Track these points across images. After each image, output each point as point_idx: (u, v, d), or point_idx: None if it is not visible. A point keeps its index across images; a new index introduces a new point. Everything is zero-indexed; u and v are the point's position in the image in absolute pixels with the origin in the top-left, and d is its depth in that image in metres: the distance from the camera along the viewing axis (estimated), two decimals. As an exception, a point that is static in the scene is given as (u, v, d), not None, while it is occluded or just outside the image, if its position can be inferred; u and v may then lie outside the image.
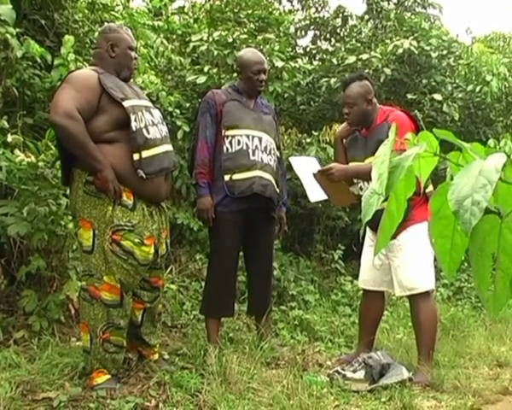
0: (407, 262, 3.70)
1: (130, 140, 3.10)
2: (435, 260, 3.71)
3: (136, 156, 3.10)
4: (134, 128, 3.09)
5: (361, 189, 3.92)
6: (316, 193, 3.84)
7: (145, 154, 3.12)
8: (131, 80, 3.48)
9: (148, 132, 3.16)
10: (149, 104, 3.38)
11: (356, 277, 4.60)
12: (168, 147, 3.33)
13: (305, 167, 3.94)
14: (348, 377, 3.50)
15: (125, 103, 3.10)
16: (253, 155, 3.83)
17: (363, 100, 3.82)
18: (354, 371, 3.54)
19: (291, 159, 4.17)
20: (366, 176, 3.72)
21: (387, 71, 6.49)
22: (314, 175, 3.80)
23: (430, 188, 3.60)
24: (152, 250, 3.20)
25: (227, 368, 3.30)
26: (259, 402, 3.06)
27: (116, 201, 3.07)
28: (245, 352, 3.61)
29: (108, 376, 3.15)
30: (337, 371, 3.58)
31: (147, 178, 3.12)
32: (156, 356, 3.53)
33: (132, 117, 3.09)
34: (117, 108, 3.10)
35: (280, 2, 8.94)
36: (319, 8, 8.92)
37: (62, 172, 3.33)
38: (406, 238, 3.61)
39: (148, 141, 3.14)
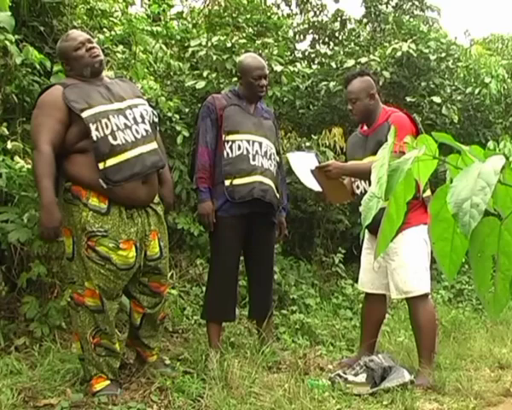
0: (403, 266, 3.71)
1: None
2: (435, 262, 3.71)
3: (100, 166, 3.05)
4: (95, 138, 3.04)
5: (357, 187, 3.93)
6: (310, 183, 3.86)
7: (111, 162, 3.06)
8: (111, 76, 3.47)
9: (115, 138, 3.09)
10: (128, 104, 3.26)
11: (356, 280, 4.60)
12: (144, 148, 3.21)
13: (303, 163, 3.95)
14: (350, 381, 3.50)
15: (85, 113, 3.05)
16: (254, 159, 3.83)
17: (365, 94, 3.83)
18: (356, 375, 3.53)
19: (288, 154, 4.18)
20: (363, 175, 3.74)
21: (386, 74, 6.50)
22: (312, 171, 3.81)
23: (427, 193, 3.61)
24: (131, 254, 3.14)
25: (228, 373, 3.30)
26: (261, 407, 3.06)
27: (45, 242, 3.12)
28: (246, 356, 3.61)
29: (107, 382, 3.15)
30: (339, 375, 3.57)
31: (113, 185, 3.06)
32: (154, 358, 3.52)
33: (92, 126, 3.04)
34: (80, 118, 3.07)
35: (278, 7, 8.97)
36: (317, 12, 8.93)
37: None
38: (402, 242, 3.61)
39: (114, 147, 3.07)
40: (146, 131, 3.25)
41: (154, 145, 3.29)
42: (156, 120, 3.44)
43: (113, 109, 3.16)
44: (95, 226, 3.06)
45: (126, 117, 3.19)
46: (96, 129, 3.05)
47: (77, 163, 3.09)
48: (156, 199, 3.39)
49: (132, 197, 3.16)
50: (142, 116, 3.28)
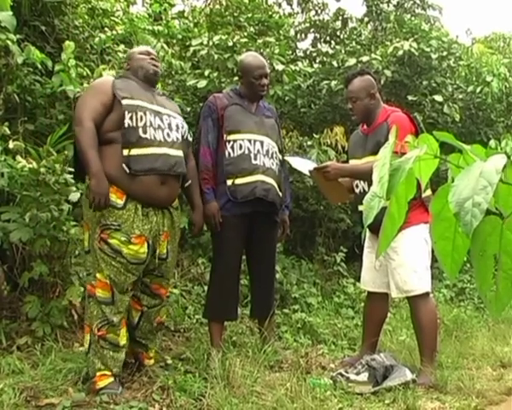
0: (402, 265, 3.71)
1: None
2: (436, 261, 3.71)
3: (125, 152, 3.18)
4: (126, 125, 3.19)
5: (357, 186, 3.93)
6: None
7: (135, 151, 3.19)
8: (162, 92, 3.67)
9: (145, 132, 3.23)
10: (167, 112, 3.43)
11: (358, 279, 4.61)
12: (170, 151, 3.33)
13: (302, 165, 3.98)
14: (351, 380, 3.50)
15: (125, 101, 3.22)
16: (255, 159, 3.83)
17: (365, 94, 3.84)
18: (357, 374, 3.54)
19: (287, 158, 4.21)
20: (361, 176, 3.76)
21: (388, 73, 6.49)
22: (310, 172, 3.84)
23: (427, 192, 3.61)
24: (142, 249, 3.21)
25: (230, 372, 3.30)
26: (263, 406, 3.06)
27: (95, 209, 3.15)
28: (248, 355, 3.61)
29: (111, 379, 3.16)
30: (340, 374, 3.58)
31: (132, 173, 3.17)
32: (151, 362, 3.53)
33: (127, 115, 3.19)
34: (120, 106, 3.22)
35: (280, 6, 8.95)
36: (319, 11, 8.91)
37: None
38: (402, 241, 3.61)
39: (141, 140, 3.21)
40: (177, 138, 3.42)
41: (180, 153, 3.43)
42: (190, 139, 3.66)
43: (152, 109, 3.33)
44: (109, 220, 3.16)
45: (162, 120, 3.36)
46: (130, 118, 3.21)
47: (102, 155, 3.18)
48: (175, 204, 3.48)
49: (150, 195, 3.24)
50: (177, 126, 3.45)
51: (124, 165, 3.16)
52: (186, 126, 3.57)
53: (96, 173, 3.09)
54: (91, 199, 3.11)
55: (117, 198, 3.18)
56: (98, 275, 3.19)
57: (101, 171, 3.10)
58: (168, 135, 3.34)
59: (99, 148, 3.19)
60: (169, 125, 3.38)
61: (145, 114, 3.26)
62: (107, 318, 3.18)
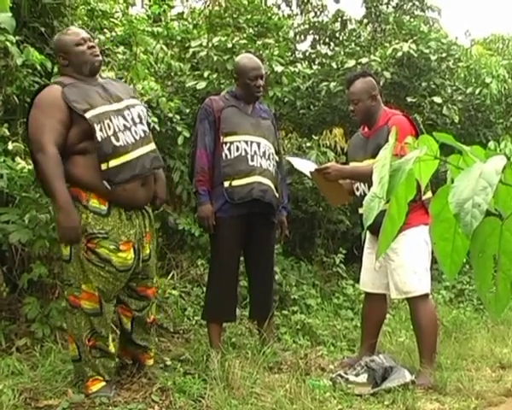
0: (402, 266, 3.71)
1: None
2: (436, 262, 3.72)
3: (103, 166, 3.04)
4: (99, 138, 3.02)
5: (357, 189, 3.94)
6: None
7: (113, 163, 3.05)
8: (108, 76, 3.44)
9: (118, 139, 3.08)
10: (126, 104, 3.25)
11: (357, 280, 4.61)
12: (143, 149, 3.21)
13: (303, 166, 3.99)
14: (351, 381, 3.50)
15: (88, 114, 3.03)
16: (252, 160, 3.84)
17: (367, 96, 3.84)
18: (357, 375, 3.54)
19: (288, 158, 4.22)
20: (362, 177, 3.76)
21: (387, 74, 6.49)
22: (311, 173, 3.85)
23: (428, 195, 3.61)
24: (130, 256, 3.15)
25: (230, 373, 3.30)
26: (262, 407, 3.06)
27: (67, 244, 3.04)
28: (247, 357, 3.61)
29: (103, 383, 3.14)
30: (340, 375, 3.58)
31: (115, 187, 3.05)
32: (151, 362, 3.52)
33: (97, 127, 3.02)
34: (83, 119, 3.04)
35: (279, 7, 8.94)
36: (318, 13, 8.91)
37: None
38: (402, 242, 3.61)
39: (117, 149, 3.07)
40: (144, 132, 3.26)
41: (152, 146, 3.31)
42: (150, 120, 3.46)
43: (112, 110, 3.15)
44: (96, 228, 3.05)
45: (125, 118, 3.19)
46: (100, 129, 3.03)
47: (78, 165, 3.07)
48: None
49: (132, 199, 3.17)
50: (139, 116, 3.28)
51: (105, 182, 3.03)
52: (145, 109, 3.39)
53: (64, 206, 2.95)
54: (61, 235, 3.00)
55: (100, 204, 3.08)
56: (84, 286, 3.08)
57: (69, 203, 2.96)
58: (136, 132, 3.19)
59: (72, 159, 3.07)
60: (132, 120, 3.21)
61: (110, 120, 3.09)
62: (95, 329, 3.12)
